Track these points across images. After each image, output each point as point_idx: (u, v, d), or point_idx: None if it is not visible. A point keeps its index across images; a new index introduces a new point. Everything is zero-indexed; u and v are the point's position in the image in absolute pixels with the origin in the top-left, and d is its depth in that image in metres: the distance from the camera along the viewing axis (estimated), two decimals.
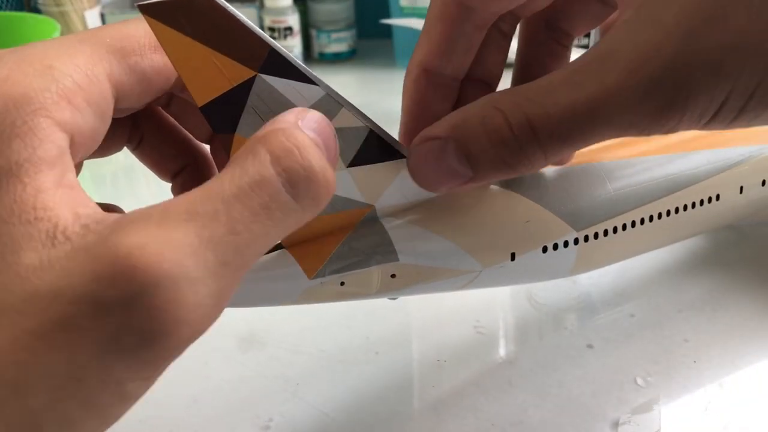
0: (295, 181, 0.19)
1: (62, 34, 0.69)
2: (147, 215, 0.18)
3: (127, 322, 0.17)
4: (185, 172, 0.29)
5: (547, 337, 0.40)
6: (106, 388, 0.17)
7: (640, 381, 0.36)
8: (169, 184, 0.30)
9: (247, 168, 0.19)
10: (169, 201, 0.19)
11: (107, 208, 0.28)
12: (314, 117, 0.21)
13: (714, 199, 0.36)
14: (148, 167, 0.29)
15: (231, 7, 0.22)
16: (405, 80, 0.28)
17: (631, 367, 0.37)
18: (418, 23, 0.83)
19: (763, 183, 0.39)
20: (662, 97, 0.21)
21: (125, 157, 0.29)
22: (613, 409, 0.34)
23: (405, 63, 1.03)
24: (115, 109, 0.23)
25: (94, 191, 0.61)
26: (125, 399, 0.18)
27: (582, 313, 0.42)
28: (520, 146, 0.22)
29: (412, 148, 0.25)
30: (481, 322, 0.41)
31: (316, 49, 0.94)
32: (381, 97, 0.84)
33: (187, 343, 0.18)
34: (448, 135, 0.24)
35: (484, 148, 0.23)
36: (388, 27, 0.89)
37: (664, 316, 0.41)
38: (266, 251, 0.20)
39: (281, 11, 0.87)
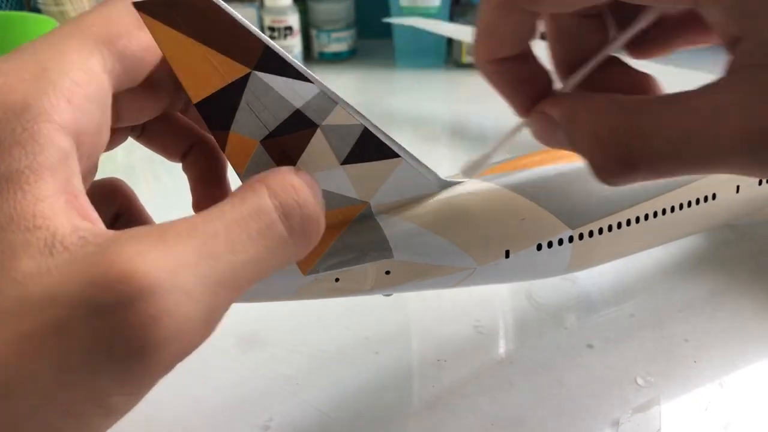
0: (290, 214, 0.21)
1: None
2: (147, 231, 0.18)
3: (119, 328, 0.17)
4: (194, 150, 0.29)
5: (547, 336, 0.40)
6: (90, 398, 0.17)
7: (640, 381, 0.36)
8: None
9: (247, 198, 0.20)
10: (170, 221, 0.19)
11: (109, 183, 0.28)
12: (307, 174, 0.23)
13: (710, 198, 0.36)
14: (155, 152, 0.29)
15: (226, 5, 0.22)
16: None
17: (631, 367, 0.37)
18: (419, 22, 0.83)
19: (760, 182, 0.39)
20: None
21: (123, 156, 0.29)
22: (613, 409, 0.34)
23: (404, 63, 1.03)
24: (117, 99, 0.23)
25: None
26: (109, 413, 0.18)
27: (582, 313, 0.42)
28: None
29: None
30: (481, 321, 0.41)
31: (316, 48, 0.94)
32: (381, 97, 0.84)
33: (175, 359, 0.18)
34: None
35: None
36: (388, 27, 0.89)
37: (664, 316, 0.41)
38: (258, 279, 0.20)
39: (281, 11, 0.87)
